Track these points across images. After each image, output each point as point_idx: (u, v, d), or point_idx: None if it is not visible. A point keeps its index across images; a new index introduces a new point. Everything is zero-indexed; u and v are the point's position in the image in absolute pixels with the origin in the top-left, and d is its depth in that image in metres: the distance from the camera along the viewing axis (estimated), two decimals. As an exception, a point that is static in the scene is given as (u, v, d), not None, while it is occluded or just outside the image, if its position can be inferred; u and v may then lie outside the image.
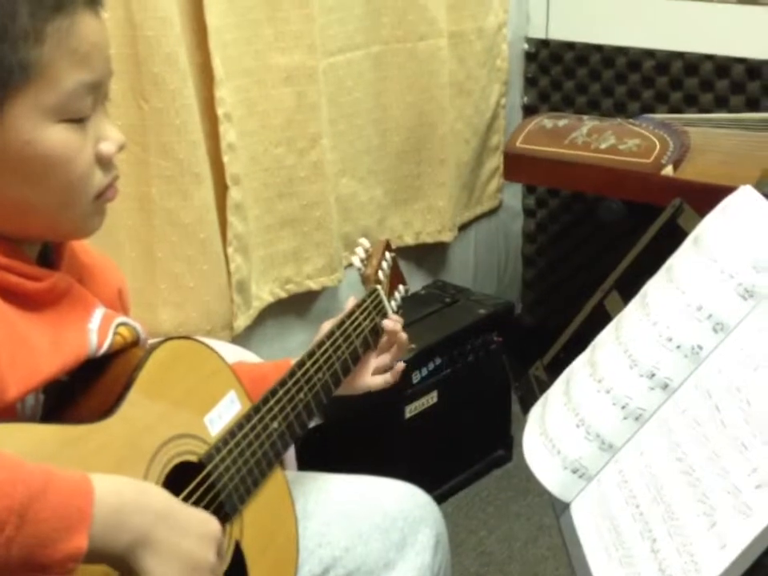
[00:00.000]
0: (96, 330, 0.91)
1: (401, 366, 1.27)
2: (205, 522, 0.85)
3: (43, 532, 0.71)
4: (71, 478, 0.75)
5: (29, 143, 0.83)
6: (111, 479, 0.79)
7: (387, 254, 1.35)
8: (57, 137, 0.84)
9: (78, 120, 0.86)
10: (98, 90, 0.87)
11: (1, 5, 0.80)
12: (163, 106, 1.64)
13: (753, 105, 2.22)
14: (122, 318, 0.96)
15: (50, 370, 0.85)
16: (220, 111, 1.75)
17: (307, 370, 1.11)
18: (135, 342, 0.97)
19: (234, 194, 1.81)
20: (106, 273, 1.04)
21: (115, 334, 0.93)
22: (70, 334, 0.89)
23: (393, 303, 1.32)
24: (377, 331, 1.26)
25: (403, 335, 1.27)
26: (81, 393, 0.89)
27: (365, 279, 1.30)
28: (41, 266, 0.91)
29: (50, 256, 0.94)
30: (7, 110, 0.82)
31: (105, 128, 0.89)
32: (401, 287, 1.37)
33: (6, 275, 0.84)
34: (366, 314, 1.23)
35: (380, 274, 1.30)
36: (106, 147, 0.89)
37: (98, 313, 0.93)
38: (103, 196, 0.91)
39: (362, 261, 1.30)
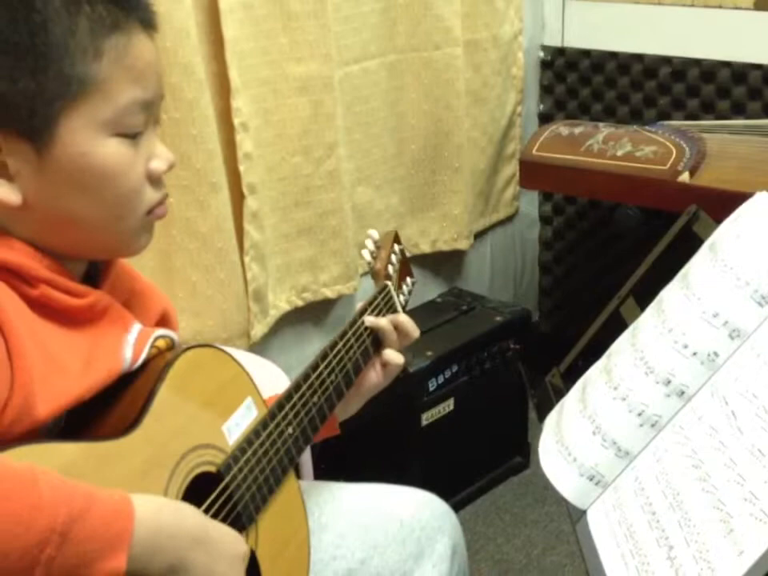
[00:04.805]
0: (133, 343, 0.92)
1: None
2: (235, 542, 0.87)
3: (84, 552, 0.72)
4: (112, 498, 0.76)
5: (84, 155, 0.85)
6: (150, 500, 0.80)
7: (396, 247, 1.32)
8: (111, 150, 0.86)
9: (131, 135, 0.88)
10: (150, 109, 0.90)
11: (62, 21, 0.82)
12: (180, 117, 1.65)
13: (770, 111, 2.22)
14: (161, 331, 0.96)
15: (80, 391, 0.85)
16: (236, 121, 1.77)
17: (321, 373, 1.10)
18: (169, 350, 0.97)
19: (250, 203, 1.82)
20: (153, 298, 1.04)
21: (152, 347, 0.94)
22: (105, 353, 0.89)
23: (401, 298, 1.29)
24: None
25: (394, 336, 1.21)
26: (104, 404, 0.89)
27: (375, 274, 1.27)
28: (84, 284, 0.92)
29: (94, 277, 0.95)
30: (64, 121, 0.84)
31: (156, 146, 0.92)
32: (408, 280, 1.34)
33: (49, 290, 0.85)
34: (377, 311, 1.21)
35: (390, 268, 1.28)
36: (157, 165, 0.91)
37: (136, 328, 0.94)
38: (153, 213, 0.93)
39: (371, 254, 1.27)
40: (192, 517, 0.83)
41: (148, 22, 0.89)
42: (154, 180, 0.92)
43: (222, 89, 1.75)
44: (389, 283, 1.26)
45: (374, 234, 1.29)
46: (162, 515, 0.79)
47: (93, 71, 0.84)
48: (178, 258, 1.74)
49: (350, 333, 1.16)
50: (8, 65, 0.82)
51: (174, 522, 0.80)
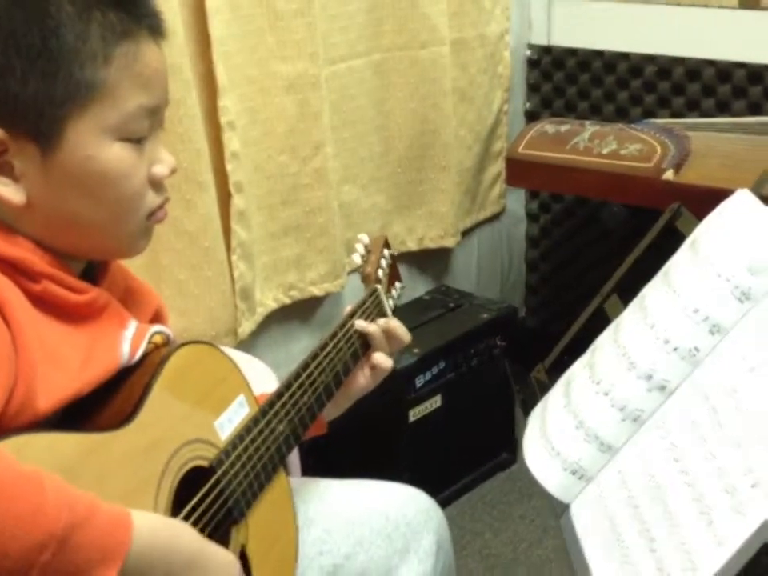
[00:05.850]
0: (130, 339, 0.93)
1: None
2: (228, 565, 0.87)
3: (79, 560, 0.72)
4: (112, 511, 0.76)
5: (90, 158, 0.87)
6: (148, 517, 0.81)
7: (386, 251, 1.34)
8: (116, 154, 0.88)
9: (135, 140, 0.90)
10: (155, 115, 0.92)
11: (74, 27, 0.84)
12: (167, 116, 1.65)
13: (754, 109, 2.23)
14: (157, 328, 0.98)
15: (79, 386, 0.86)
16: (223, 120, 1.77)
17: (311, 373, 1.11)
18: (165, 346, 0.98)
19: (237, 202, 1.83)
20: (147, 295, 1.06)
21: (149, 343, 0.95)
22: (104, 349, 0.90)
23: (390, 301, 1.30)
24: None
25: (382, 340, 1.22)
26: (101, 398, 0.90)
27: (365, 278, 1.28)
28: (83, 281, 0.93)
29: (92, 274, 0.96)
30: (71, 125, 0.86)
31: (159, 151, 0.94)
32: (397, 285, 1.36)
33: (51, 285, 0.87)
34: (366, 314, 1.22)
35: (380, 272, 1.29)
36: (159, 169, 0.93)
37: (133, 324, 0.95)
38: (154, 216, 0.95)
39: (362, 257, 1.29)
40: (188, 538, 0.83)
41: (157, 30, 0.91)
42: (156, 184, 0.93)
43: (209, 88, 1.76)
44: (378, 287, 1.27)
45: (365, 238, 1.31)
46: (159, 534, 0.80)
47: (102, 77, 0.86)
48: (165, 256, 1.74)
49: (341, 334, 1.17)
50: (20, 67, 0.83)
51: (169, 542, 0.80)
